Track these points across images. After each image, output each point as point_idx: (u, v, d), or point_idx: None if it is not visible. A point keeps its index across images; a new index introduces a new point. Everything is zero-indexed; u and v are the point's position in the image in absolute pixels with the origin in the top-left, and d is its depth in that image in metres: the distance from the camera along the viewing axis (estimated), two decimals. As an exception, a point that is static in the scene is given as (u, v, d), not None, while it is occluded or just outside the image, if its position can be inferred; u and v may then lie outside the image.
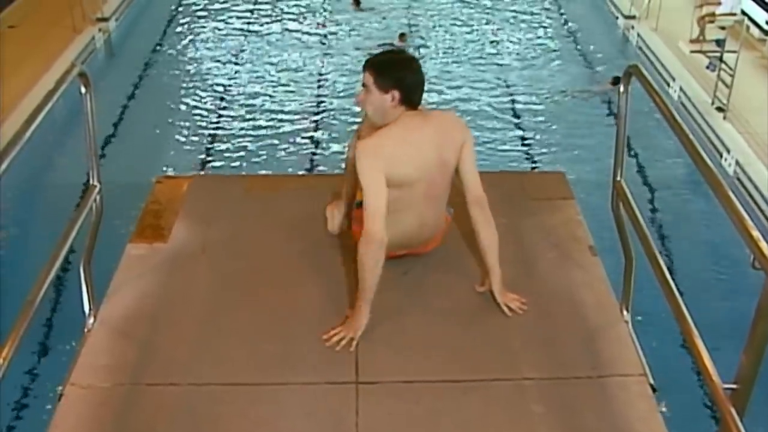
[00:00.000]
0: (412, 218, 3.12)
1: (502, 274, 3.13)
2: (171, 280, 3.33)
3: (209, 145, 9.61)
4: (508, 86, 11.34)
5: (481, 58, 12.33)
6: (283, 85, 11.23)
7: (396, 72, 3.03)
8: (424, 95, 3.10)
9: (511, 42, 12.99)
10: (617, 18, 13.46)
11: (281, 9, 14.12)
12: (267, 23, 13.52)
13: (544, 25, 13.69)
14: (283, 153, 9.35)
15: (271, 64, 11.96)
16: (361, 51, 12.01)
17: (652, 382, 2.84)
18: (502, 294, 3.13)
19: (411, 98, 3.04)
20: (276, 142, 9.62)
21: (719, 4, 11.79)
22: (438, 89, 11.06)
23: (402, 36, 12.78)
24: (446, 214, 3.34)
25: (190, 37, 12.96)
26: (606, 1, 14.22)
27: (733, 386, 2.18)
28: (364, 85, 3.06)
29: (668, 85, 10.84)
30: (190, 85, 11.28)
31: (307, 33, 13.14)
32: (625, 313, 3.15)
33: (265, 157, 9.29)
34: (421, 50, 12.35)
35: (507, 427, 2.65)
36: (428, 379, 2.82)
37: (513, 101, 10.84)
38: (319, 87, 11.19)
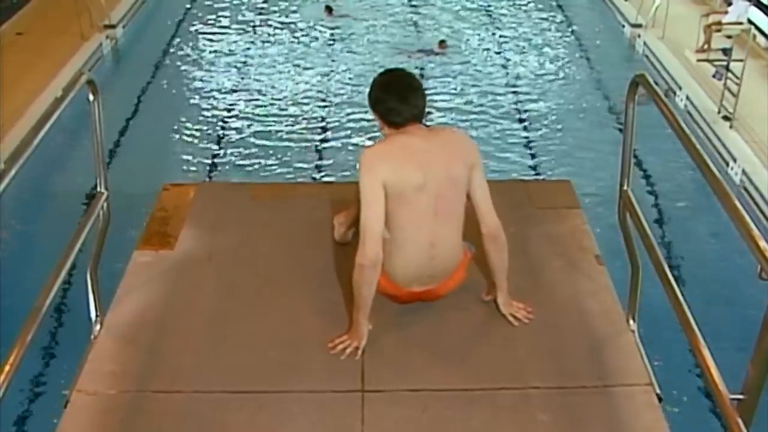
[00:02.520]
0: (421, 237, 2.94)
1: (508, 283, 3.12)
2: (177, 287, 3.33)
3: (216, 152, 9.62)
4: (515, 92, 11.33)
5: (486, 61, 12.32)
6: (291, 92, 11.23)
7: (374, 93, 3.01)
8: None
9: (514, 46, 12.99)
10: (623, 26, 13.45)
11: (289, 16, 14.15)
12: (274, 31, 13.55)
13: (549, 31, 13.68)
14: (289, 161, 9.36)
15: (279, 71, 11.97)
16: (371, 58, 12.00)
17: (658, 391, 2.83)
18: (506, 305, 3.12)
19: (392, 120, 2.97)
20: (283, 149, 9.62)
21: (726, 12, 11.78)
22: (441, 96, 11.05)
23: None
24: (466, 248, 3.13)
25: (198, 44, 12.99)
26: (612, 9, 14.21)
27: (740, 397, 2.18)
28: None
29: (675, 93, 10.82)
30: (198, 91, 11.30)
31: (316, 40, 13.16)
32: (631, 322, 3.15)
33: (271, 164, 9.30)
34: (425, 57, 12.33)
35: (513, 436, 2.65)
36: (434, 388, 2.81)
37: (519, 109, 10.82)
38: (327, 95, 11.18)
